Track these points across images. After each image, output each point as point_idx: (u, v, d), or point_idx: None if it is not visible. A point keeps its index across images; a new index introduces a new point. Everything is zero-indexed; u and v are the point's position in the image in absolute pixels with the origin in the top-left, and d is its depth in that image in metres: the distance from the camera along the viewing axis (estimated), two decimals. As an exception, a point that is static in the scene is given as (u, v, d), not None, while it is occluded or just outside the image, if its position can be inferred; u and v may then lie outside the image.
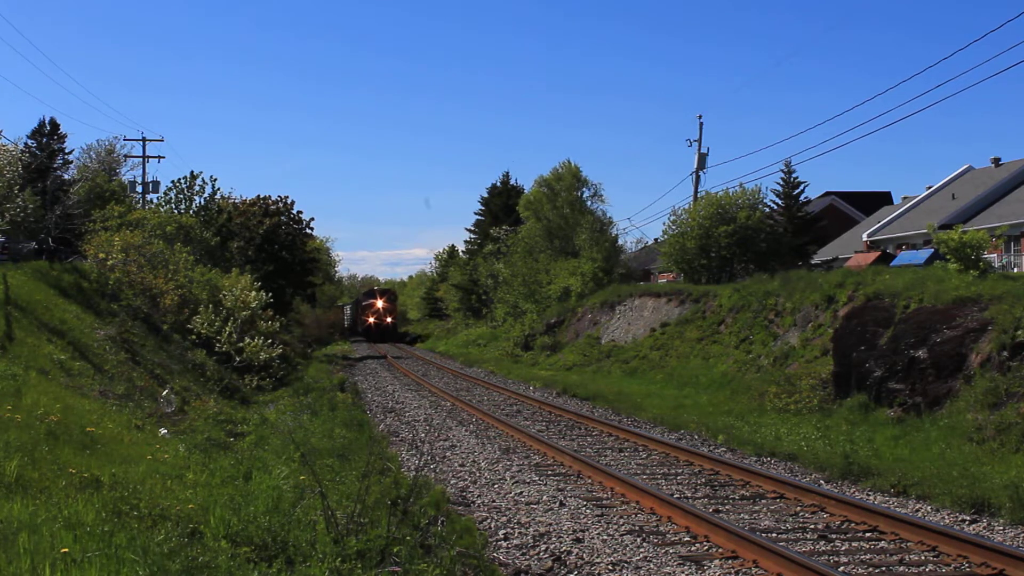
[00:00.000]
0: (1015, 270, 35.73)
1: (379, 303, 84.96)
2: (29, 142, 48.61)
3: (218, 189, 49.16)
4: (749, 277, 36.47)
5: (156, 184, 55.90)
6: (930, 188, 55.45)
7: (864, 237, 52.35)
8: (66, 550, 6.21)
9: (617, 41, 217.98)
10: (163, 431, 14.91)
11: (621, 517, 11.98)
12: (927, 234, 31.98)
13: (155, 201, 50.55)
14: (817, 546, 10.50)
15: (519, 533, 11.13)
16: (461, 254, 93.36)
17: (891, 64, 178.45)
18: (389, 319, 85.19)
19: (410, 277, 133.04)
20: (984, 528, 11.46)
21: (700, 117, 50.98)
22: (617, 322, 40.41)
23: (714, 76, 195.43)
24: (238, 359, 29.12)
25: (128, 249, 28.73)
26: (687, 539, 10.82)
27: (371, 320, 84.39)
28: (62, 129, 50.00)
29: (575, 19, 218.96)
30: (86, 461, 9.80)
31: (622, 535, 10.90)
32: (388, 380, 35.30)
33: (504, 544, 10.65)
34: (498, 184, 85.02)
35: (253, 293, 32.06)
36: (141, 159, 57.34)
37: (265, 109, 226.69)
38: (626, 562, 9.80)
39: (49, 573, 5.93)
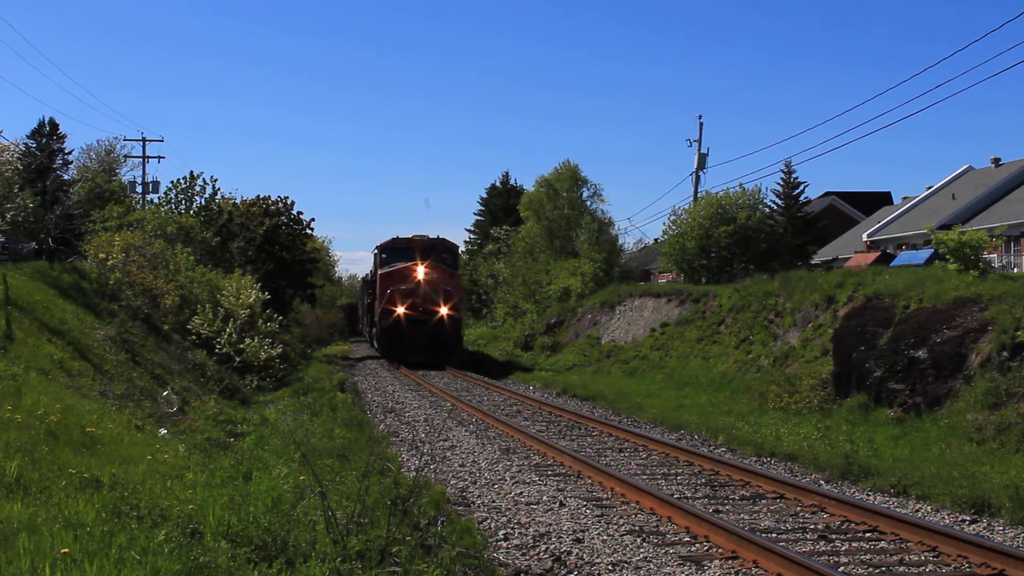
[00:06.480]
0: (1015, 270, 35.77)
1: (420, 271, 39.03)
2: (29, 142, 48.70)
3: (218, 190, 49.29)
4: (749, 277, 36.49)
5: (156, 184, 56.18)
6: (930, 188, 55.54)
7: (864, 237, 52.42)
8: (66, 550, 6.21)
9: (617, 41, 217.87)
10: (163, 431, 14.90)
11: (621, 517, 11.98)
12: (927, 234, 32.00)
13: (155, 201, 50.69)
14: (817, 546, 10.50)
15: (519, 533, 11.13)
16: (461, 254, 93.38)
17: (891, 64, 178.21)
18: (444, 309, 38.77)
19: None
20: (984, 528, 11.46)
21: (700, 117, 51.14)
22: (617, 322, 40.41)
23: (714, 76, 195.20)
24: (238, 359, 29.11)
25: (128, 249, 28.72)
26: (687, 539, 10.82)
27: (400, 311, 38.91)
28: (62, 129, 50.24)
29: (575, 19, 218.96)
30: (86, 461, 9.80)
31: (622, 535, 10.90)
32: (388, 380, 35.27)
33: (504, 544, 10.65)
34: (498, 184, 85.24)
35: (249, 291, 31.94)
36: (141, 159, 57.61)
37: (265, 109, 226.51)
38: (626, 562, 9.80)
39: (49, 573, 5.93)
